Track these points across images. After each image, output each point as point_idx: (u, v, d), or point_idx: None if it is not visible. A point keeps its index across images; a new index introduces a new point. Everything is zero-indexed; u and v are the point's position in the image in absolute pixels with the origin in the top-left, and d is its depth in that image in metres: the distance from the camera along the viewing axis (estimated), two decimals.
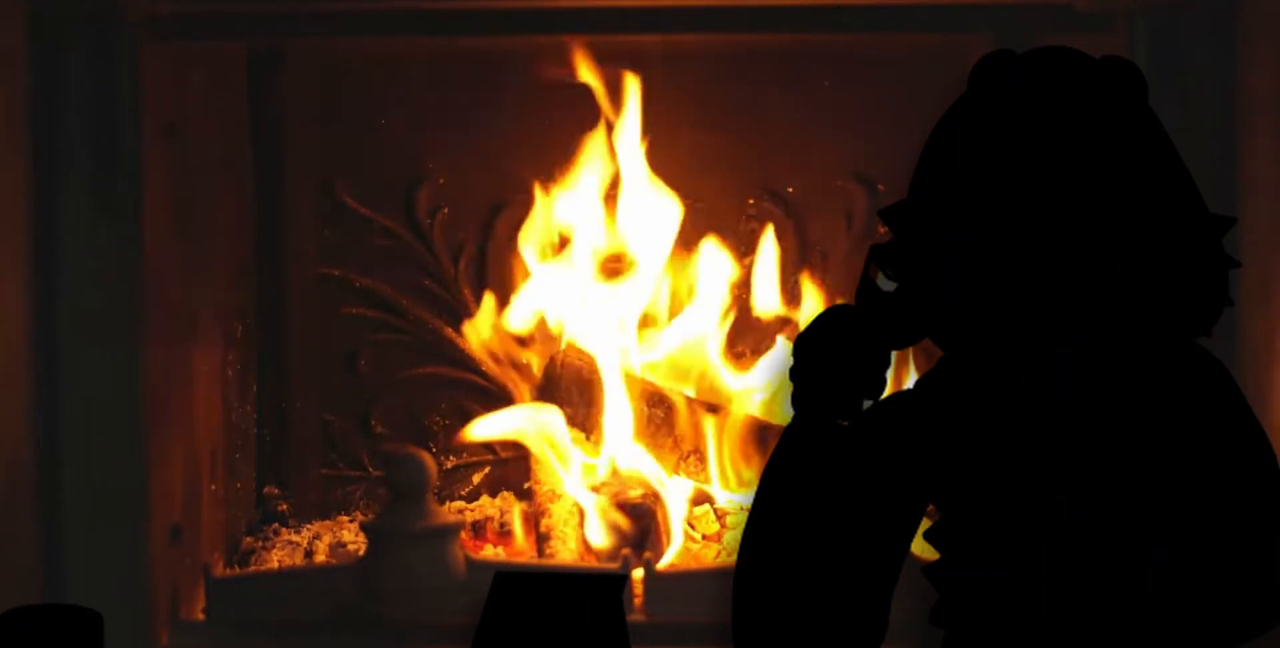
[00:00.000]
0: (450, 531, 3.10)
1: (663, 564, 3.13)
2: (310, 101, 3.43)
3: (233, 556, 3.31)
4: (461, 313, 3.47)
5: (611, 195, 3.34)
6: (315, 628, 3.05)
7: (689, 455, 3.28)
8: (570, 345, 3.34)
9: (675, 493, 3.24)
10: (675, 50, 3.36)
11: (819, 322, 1.73)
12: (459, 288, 3.50)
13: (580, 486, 3.22)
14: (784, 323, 3.38)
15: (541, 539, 3.22)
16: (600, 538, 3.17)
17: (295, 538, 3.34)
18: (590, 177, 3.33)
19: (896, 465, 1.69)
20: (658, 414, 3.28)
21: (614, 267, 3.36)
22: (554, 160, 3.35)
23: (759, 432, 3.27)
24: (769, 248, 3.38)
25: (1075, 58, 1.69)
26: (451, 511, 3.40)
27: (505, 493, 3.50)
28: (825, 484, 1.70)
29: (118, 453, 2.96)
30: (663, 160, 3.37)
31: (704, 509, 3.28)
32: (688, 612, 2.98)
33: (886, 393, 1.74)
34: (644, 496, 3.21)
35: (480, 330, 3.39)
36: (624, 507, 3.20)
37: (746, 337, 3.42)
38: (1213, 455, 1.67)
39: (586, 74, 3.29)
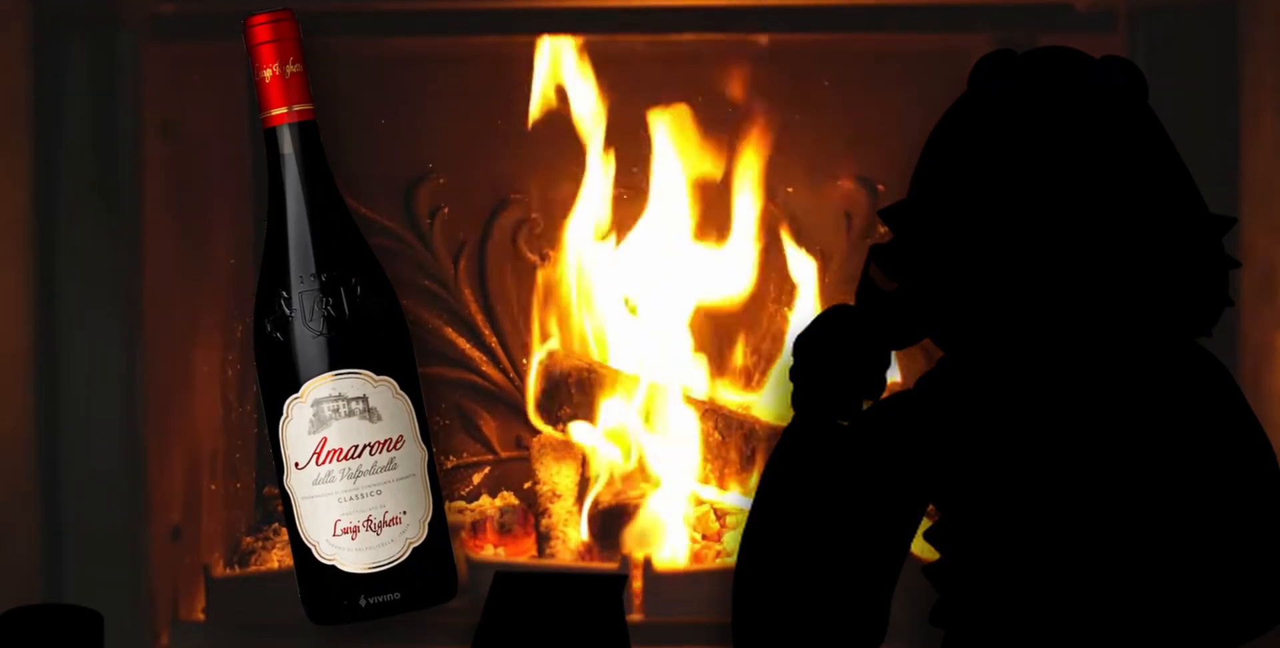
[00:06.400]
0: (450, 530, 3.10)
1: (663, 564, 3.13)
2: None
3: (233, 556, 3.30)
4: (461, 313, 3.46)
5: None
6: (315, 628, 3.05)
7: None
8: (564, 345, 3.34)
9: (675, 492, 3.24)
10: (675, 51, 3.35)
11: (819, 322, 1.74)
12: (459, 288, 3.49)
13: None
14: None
15: (541, 539, 3.22)
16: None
17: None
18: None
19: (896, 466, 1.69)
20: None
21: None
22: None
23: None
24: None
25: (1075, 58, 1.69)
26: (451, 511, 3.39)
27: (505, 493, 3.49)
28: (825, 484, 1.70)
29: (118, 453, 2.97)
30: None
31: (704, 509, 3.27)
32: (688, 612, 2.98)
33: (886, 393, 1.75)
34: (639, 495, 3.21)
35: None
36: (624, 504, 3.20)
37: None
38: (1213, 456, 1.67)
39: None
